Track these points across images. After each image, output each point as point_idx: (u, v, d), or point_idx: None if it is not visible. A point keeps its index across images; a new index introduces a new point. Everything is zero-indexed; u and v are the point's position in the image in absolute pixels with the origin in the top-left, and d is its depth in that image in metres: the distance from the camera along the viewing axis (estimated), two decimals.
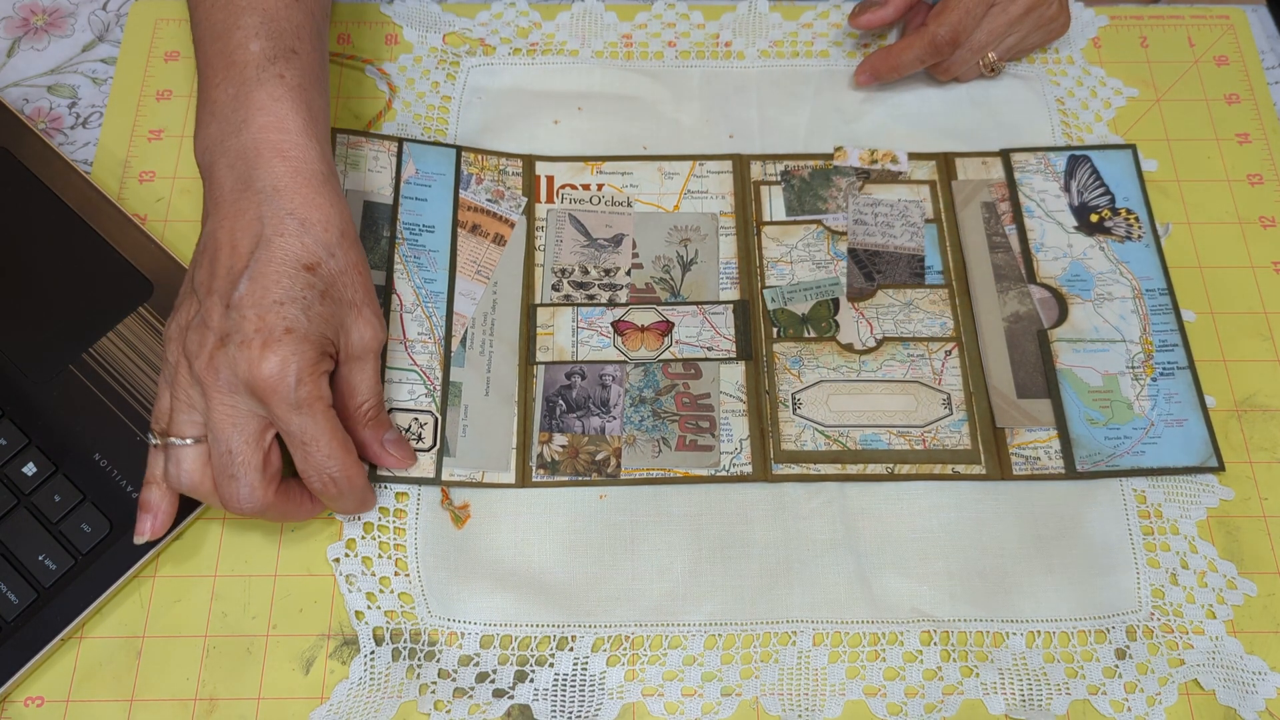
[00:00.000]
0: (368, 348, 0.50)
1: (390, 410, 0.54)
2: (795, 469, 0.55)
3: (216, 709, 0.50)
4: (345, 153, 0.60)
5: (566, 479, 0.55)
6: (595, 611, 0.52)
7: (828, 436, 0.56)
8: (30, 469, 0.53)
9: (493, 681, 0.51)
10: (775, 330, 0.58)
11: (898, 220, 0.61)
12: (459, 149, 0.62)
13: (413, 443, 0.54)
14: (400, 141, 0.61)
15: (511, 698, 0.50)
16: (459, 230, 0.60)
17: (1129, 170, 0.63)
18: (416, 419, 0.55)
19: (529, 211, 0.61)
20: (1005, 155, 0.63)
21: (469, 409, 0.55)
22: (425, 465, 0.54)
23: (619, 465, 0.55)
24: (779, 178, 0.63)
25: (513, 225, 0.61)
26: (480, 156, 0.62)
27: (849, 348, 0.58)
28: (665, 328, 0.58)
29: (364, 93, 0.65)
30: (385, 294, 0.57)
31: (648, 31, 0.68)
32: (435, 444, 0.54)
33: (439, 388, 0.56)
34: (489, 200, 0.61)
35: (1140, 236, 0.61)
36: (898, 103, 0.66)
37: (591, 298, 0.59)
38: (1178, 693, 0.51)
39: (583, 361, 0.57)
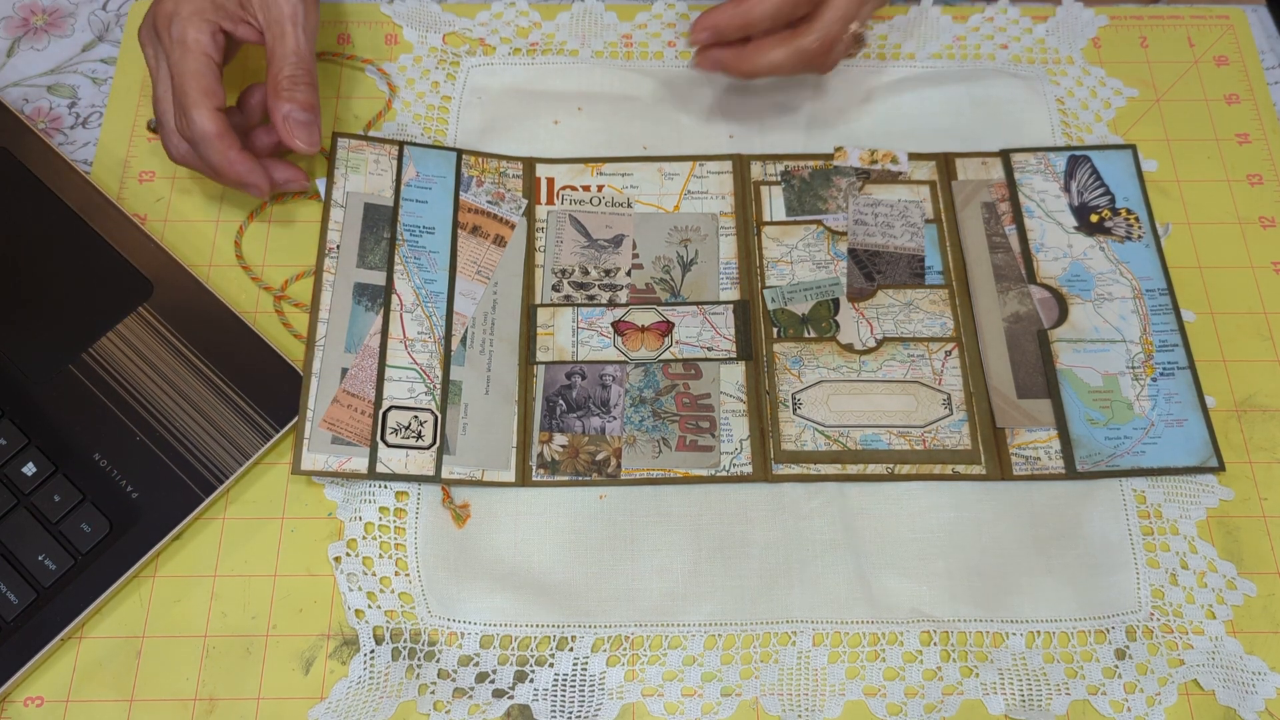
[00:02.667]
0: (281, 12, 0.55)
1: (390, 408, 0.54)
2: (795, 469, 0.55)
3: (216, 709, 0.50)
4: (346, 156, 0.60)
5: (566, 479, 0.55)
6: (595, 612, 0.52)
7: (828, 437, 0.56)
8: (30, 469, 0.53)
9: (492, 682, 0.51)
10: (775, 330, 0.58)
11: (898, 220, 0.61)
12: (459, 152, 0.62)
13: (413, 440, 0.54)
14: (401, 145, 0.61)
15: (511, 698, 0.50)
16: (459, 231, 0.60)
17: (1129, 170, 0.63)
18: (416, 416, 0.55)
19: (529, 213, 0.61)
20: (1005, 155, 0.63)
21: (469, 407, 0.55)
22: (425, 463, 0.54)
23: (619, 465, 0.55)
24: (779, 178, 0.63)
25: (513, 227, 0.61)
26: (480, 159, 0.62)
27: (849, 348, 0.58)
28: (665, 328, 0.58)
29: (364, 93, 0.65)
30: (386, 294, 0.57)
31: (648, 31, 0.68)
32: (435, 442, 0.54)
33: (439, 386, 0.56)
34: (489, 202, 0.61)
35: (1140, 237, 0.61)
36: (898, 103, 0.65)
37: (592, 298, 0.59)
38: (1177, 693, 0.51)
39: (583, 361, 0.57)
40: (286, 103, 0.55)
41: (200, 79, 0.54)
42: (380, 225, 0.59)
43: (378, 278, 0.57)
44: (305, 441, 0.53)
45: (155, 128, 0.57)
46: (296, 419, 0.54)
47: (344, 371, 0.55)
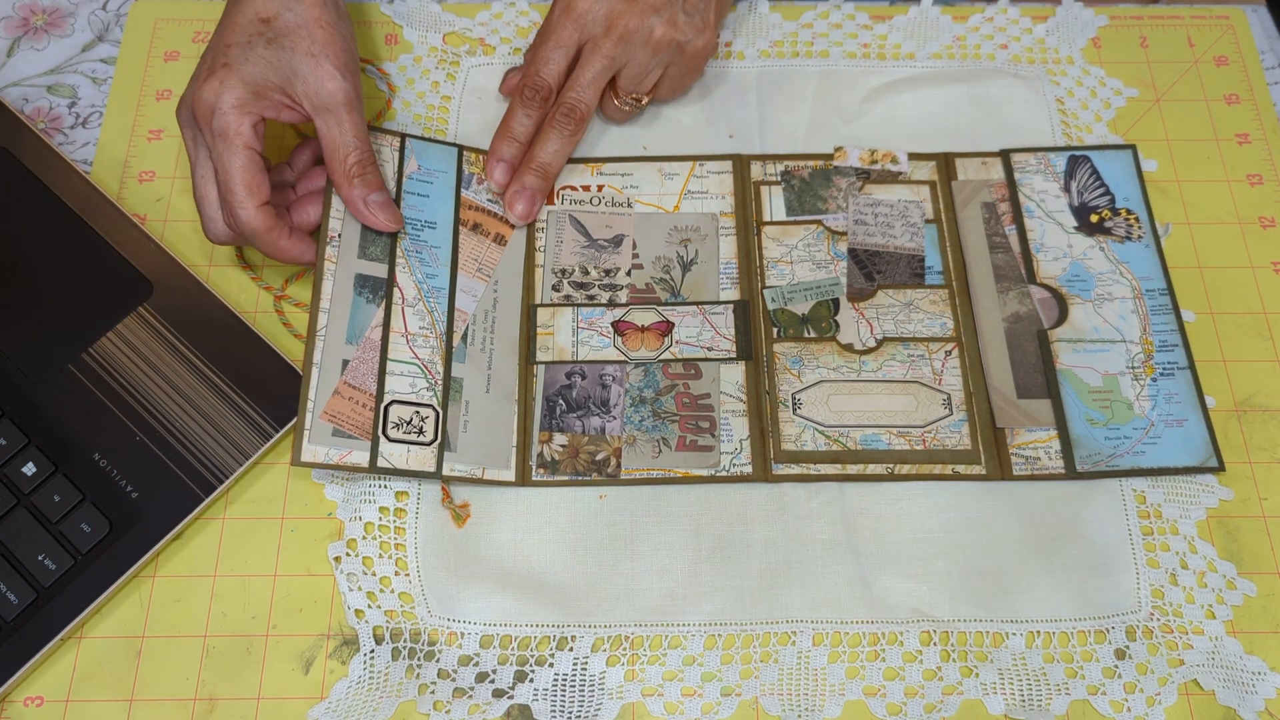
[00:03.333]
0: (334, 99, 0.54)
1: (392, 402, 0.54)
2: (795, 469, 0.55)
3: (216, 709, 0.50)
4: None
5: (566, 478, 0.55)
6: (595, 611, 0.52)
7: (828, 436, 0.56)
8: (30, 469, 0.53)
9: (492, 682, 0.51)
10: (775, 330, 0.58)
11: (898, 220, 0.61)
12: (460, 148, 0.62)
13: (414, 436, 0.54)
14: (402, 137, 0.61)
15: (511, 698, 0.50)
16: (460, 228, 0.60)
17: (1129, 170, 0.63)
18: (418, 412, 0.55)
19: None
20: (1005, 155, 0.63)
21: (470, 405, 0.55)
22: (427, 459, 0.54)
23: (619, 465, 0.55)
24: (779, 178, 0.63)
25: (514, 226, 0.61)
26: (481, 157, 0.62)
27: (849, 348, 0.58)
28: (665, 328, 0.58)
29: (364, 92, 0.65)
30: (387, 286, 0.57)
31: None
32: (437, 438, 0.54)
33: (440, 382, 0.56)
34: (490, 200, 0.61)
35: (1140, 237, 0.61)
36: (898, 103, 0.65)
37: (592, 298, 0.59)
38: (1177, 693, 0.51)
39: (583, 361, 0.57)
40: (362, 189, 0.55)
41: (245, 174, 0.53)
42: None
43: (379, 269, 0.57)
44: (305, 433, 0.53)
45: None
46: (297, 413, 0.54)
47: (345, 363, 0.54)
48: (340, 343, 0.55)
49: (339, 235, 0.57)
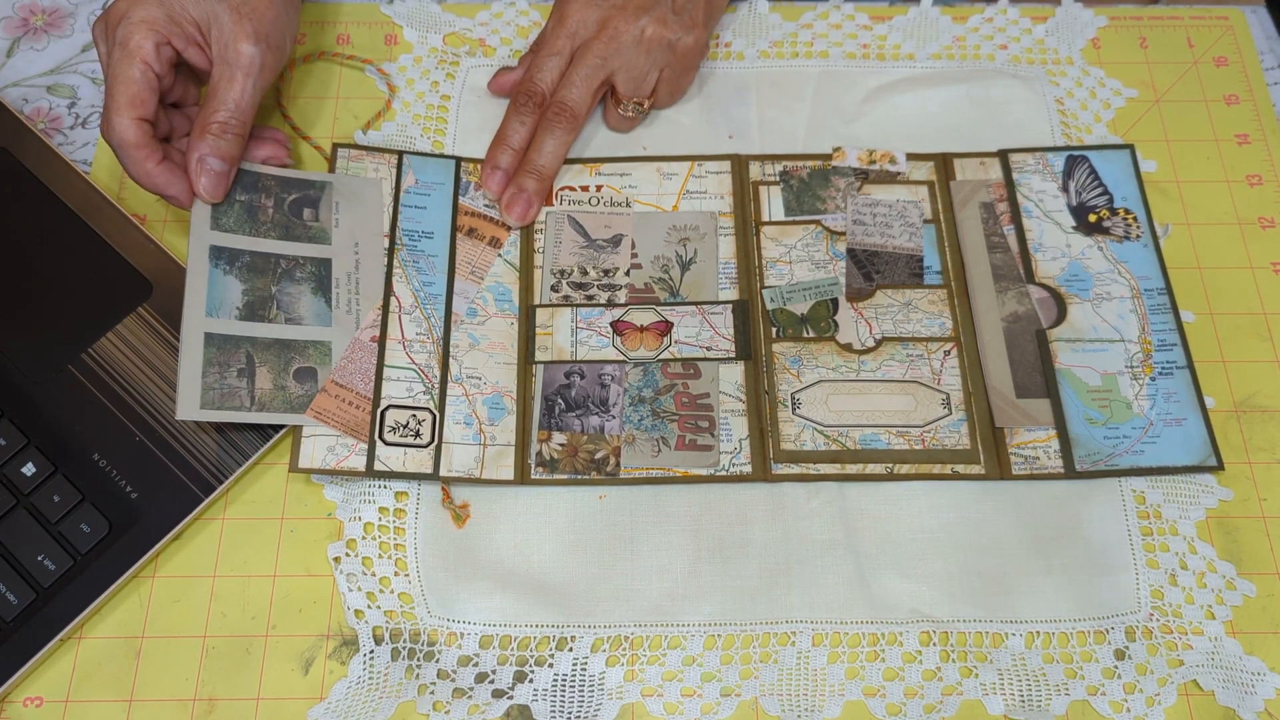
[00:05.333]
0: (239, 58, 0.54)
1: (388, 407, 0.54)
2: (795, 469, 0.55)
3: (216, 709, 0.50)
4: (347, 165, 0.60)
5: (565, 477, 0.55)
6: (595, 612, 0.52)
7: (827, 436, 0.56)
8: (30, 469, 0.53)
9: (492, 682, 0.51)
10: (774, 330, 0.58)
11: (896, 220, 0.61)
12: (459, 160, 0.62)
13: (411, 439, 0.54)
14: (400, 154, 0.61)
15: (511, 698, 0.50)
16: (457, 234, 0.60)
17: (1127, 170, 0.63)
18: (415, 415, 0.55)
19: None
20: (1003, 155, 0.63)
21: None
22: (424, 461, 0.54)
23: (618, 464, 0.55)
24: (778, 178, 0.63)
25: (509, 229, 0.61)
26: (479, 166, 0.62)
27: (848, 348, 0.58)
28: (664, 328, 0.58)
29: (364, 93, 0.66)
30: (385, 297, 0.57)
31: None
32: (433, 440, 0.54)
33: (437, 386, 0.56)
34: (487, 205, 0.61)
35: (1139, 236, 0.61)
36: (897, 103, 0.65)
37: (590, 298, 0.59)
38: (1177, 693, 0.51)
39: (582, 361, 0.57)
40: (210, 148, 0.54)
41: (130, 86, 0.53)
42: (232, 189, 0.57)
43: (234, 240, 0.56)
44: (175, 406, 0.52)
45: None
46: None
47: (207, 336, 0.53)
48: (199, 315, 0.54)
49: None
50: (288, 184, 0.59)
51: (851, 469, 0.55)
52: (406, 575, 0.53)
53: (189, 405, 0.52)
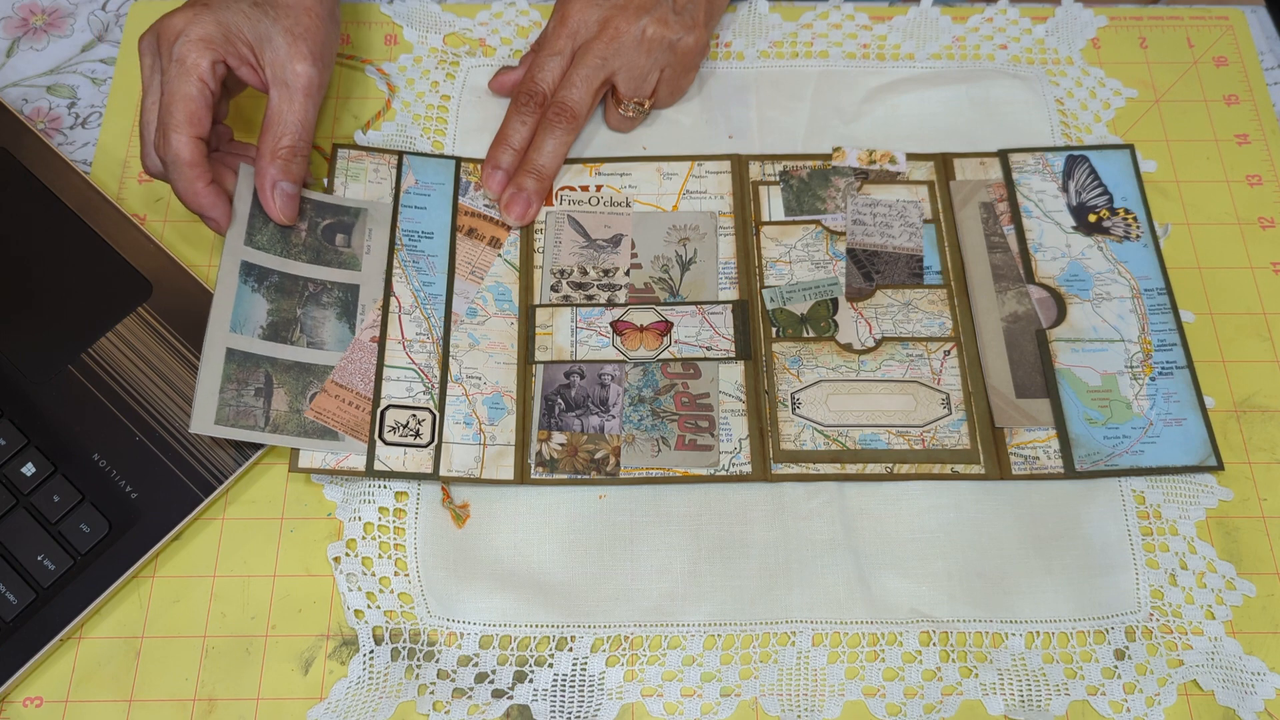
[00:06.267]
0: (297, 79, 0.55)
1: (388, 407, 0.54)
2: (794, 469, 0.55)
3: (215, 709, 0.50)
4: (346, 165, 0.60)
5: (565, 477, 0.55)
6: (594, 612, 0.52)
7: (827, 436, 0.56)
8: (29, 469, 0.53)
9: (492, 682, 0.51)
10: (774, 330, 0.58)
11: (896, 220, 0.61)
12: (458, 160, 0.62)
13: (410, 439, 0.54)
14: (400, 154, 0.61)
15: (510, 698, 0.50)
16: (457, 234, 0.60)
17: (1127, 170, 0.63)
18: (414, 415, 0.55)
19: None
20: (1003, 155, 0.63)
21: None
22: (424, 461, 0.54)
23: (618, 464, 0.55)
24: (778, 178, 0.63)
25: (509, 229, 0.61)
26: (479, 166, 0.62)
27: (848, 347, 0.58)
28: (664, 327, 0.58)
29: (364, 93, 0.66)
30: (385, 297, 0.57)
31: None
32: (433, 440, 0.54)
33: (437, 386, 0.56)
34: (487, 205, 0.61)
35: (1138, 236, 0.61)
36: (896, 103, 0.65)
37: (590, 298, 0.59)
38: (1177, 693, 0.51)
39: (582, 361, 0.57)
40: (280, 173, 0.55)
41: (189, 103, 0.53)
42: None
43: (266, 259, 0.56)
44: (190, 419, 0.52)
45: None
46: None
47: (229, 352, 0.54)
48: (224, 330, 0.54)
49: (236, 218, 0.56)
50: (324, 209, 0.59)
51: (851, 469, 0.55)
52: (406, 575, 0.53)
53: (204, 419, 0.52)
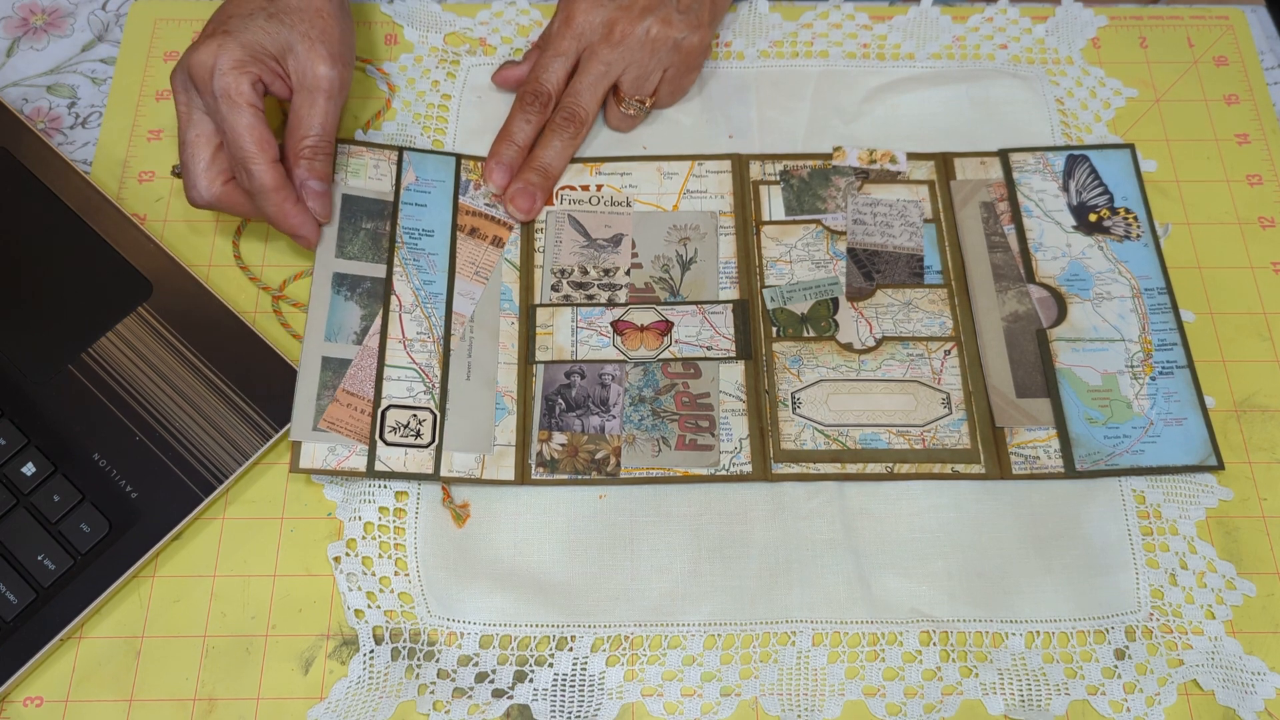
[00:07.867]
0: (318, 81, 0.56)
1: (389, 406, 0.54)
2: (795, 468, 0.55)
3: (215, 709, 0.50)
4: (346, 161, 0.60)
5: (566, 477, 0.55)
6: (595, 611, 0.52)
7: (827, 436, 0.56)
8: (29, 469, 0.53)
9: (492, 682, 0.51)
10: (775, 330, 0.58)
11: (896, 220, 0.61)
12: (459, 157, 0.62)
13: (411, 439, 0.54)
14: (400, 150, 0.61)
15: (511, 698, 0.50)
16: (458, 234, 0.60)
17: (1127, 170, 0.63)
18: (415, 415, 0.55)
19: None
20: (1003, 155, 0.63)
21: (451, 392, 0.55)
22: (424, 461, 0.54)
23: (618, 464, 0.55)
24: (778, 177, 0.63)
25: (511, 228, 0.61)
26: (479, 163, 0.62)
27: (848, 347, 0.58)
28: (664, 327, 0.58)
29: (364, 92, 0.65)
30: (385, 295, 0.57)
31: None
32: (434, 440, 0.54)
33: (437, 385, 0.56)
34: (487, 205, 0.61)
35: (1139, 236, 0.61)
36: (897, 103, 0.65)
37: (591, 298, 0.59)
38: (1177, 693, 0.51)
39: (582, 361, 0.57)
40: (306, 171, 0.56)
41: (254, 131, 0.54)
42: (359, 216, 0.59)
43: (357, 268, 0.57)
44: (295, 431, 0.53)
45: (179, 172, 0.56)
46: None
47: (324, 360, 0.55)
48: (319, 340, 0.55)
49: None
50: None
51: (851, 468, 0.55)
52: (406, 575, 0.53)
53: (303, 426, 0.53)
